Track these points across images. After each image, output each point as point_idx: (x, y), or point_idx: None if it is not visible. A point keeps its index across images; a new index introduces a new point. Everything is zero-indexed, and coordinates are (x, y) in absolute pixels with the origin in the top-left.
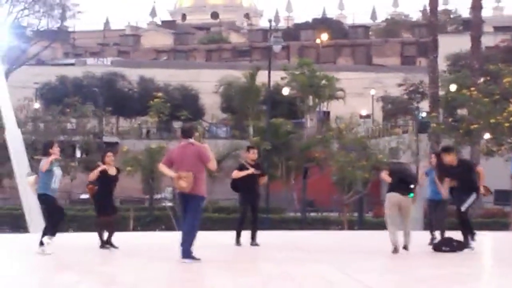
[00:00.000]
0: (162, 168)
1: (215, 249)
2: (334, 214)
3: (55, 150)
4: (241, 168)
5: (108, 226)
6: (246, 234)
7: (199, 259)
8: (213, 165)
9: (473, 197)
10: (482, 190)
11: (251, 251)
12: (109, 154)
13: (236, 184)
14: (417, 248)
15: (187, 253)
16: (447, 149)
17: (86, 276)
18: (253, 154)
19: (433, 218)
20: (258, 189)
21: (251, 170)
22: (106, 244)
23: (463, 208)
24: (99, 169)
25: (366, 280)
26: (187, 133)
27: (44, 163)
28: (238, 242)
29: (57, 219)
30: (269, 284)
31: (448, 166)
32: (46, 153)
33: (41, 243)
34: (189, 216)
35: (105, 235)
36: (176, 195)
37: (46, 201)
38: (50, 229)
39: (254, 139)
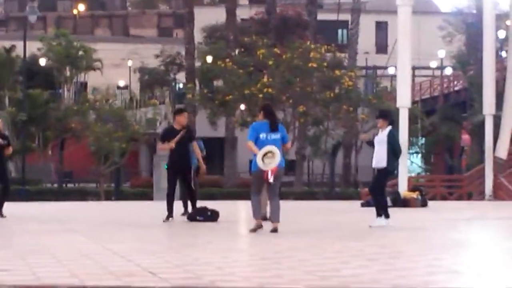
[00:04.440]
0: None
1: None
2: (91, 185)
3: None
4: None
5: None
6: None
7: None
8: None
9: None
10: None
11: (5, 224)
12: None
13: None
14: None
15: None
16: (179, 110)
17: None
18: None
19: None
20: (4, 160)
21: None
22: None
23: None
24: None
25: (118, 249)
26: None
27: None
28: None
29: None
30: (23, 256)
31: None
32: None
33: None
34: None
35: None
36: None
37: None
38: None
39: (10, 110)
